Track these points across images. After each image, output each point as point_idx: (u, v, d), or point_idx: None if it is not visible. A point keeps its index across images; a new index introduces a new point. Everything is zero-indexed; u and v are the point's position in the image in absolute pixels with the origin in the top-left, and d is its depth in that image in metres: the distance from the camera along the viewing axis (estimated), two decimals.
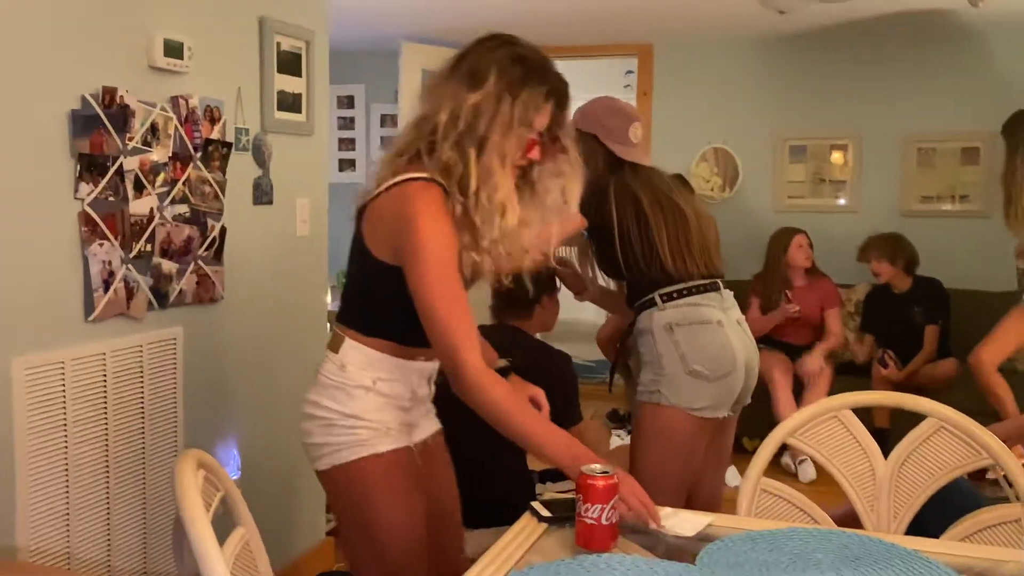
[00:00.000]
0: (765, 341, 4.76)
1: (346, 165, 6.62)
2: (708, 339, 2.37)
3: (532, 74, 1.74)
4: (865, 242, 4.90)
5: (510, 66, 1.72)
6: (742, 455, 4.63)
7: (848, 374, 4.77)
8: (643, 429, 2.44)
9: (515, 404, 1.67)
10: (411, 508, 1.81)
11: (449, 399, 2.58)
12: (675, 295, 2.39)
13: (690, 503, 2.48)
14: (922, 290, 4.76)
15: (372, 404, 1.79)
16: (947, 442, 1.81)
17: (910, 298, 4.77)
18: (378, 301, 1.79)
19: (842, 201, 5.58)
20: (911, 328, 4.73)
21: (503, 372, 2.02)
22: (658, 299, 2.40)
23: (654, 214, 2.40)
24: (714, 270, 2.45)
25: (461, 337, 1.65)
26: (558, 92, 1.77)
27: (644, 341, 2.44)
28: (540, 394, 2.08)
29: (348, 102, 6.53)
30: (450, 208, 1.70)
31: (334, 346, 1.83)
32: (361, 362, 1.79)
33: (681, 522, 1.62)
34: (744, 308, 4.61)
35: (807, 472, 4.34)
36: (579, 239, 2.55)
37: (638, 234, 2.39)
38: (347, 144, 6.60)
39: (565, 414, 2.57)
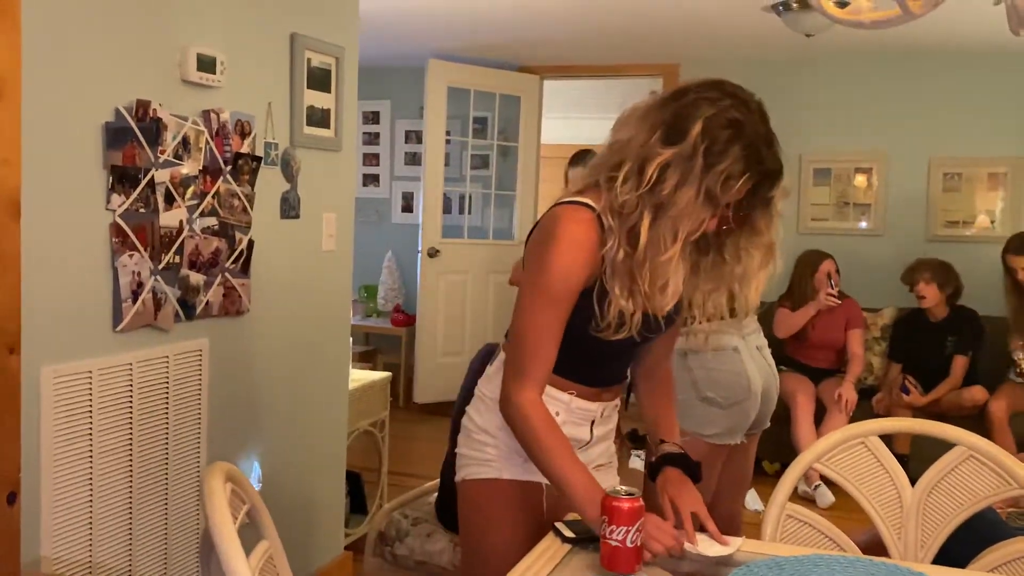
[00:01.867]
0: (788, 364, 4.74)
1: (370, 180, 6.65)
2: (722, 366, 2.36)
3: (739, 144, 1.51)
4: (915, 263, 4.83)
5: (719, 128, 1.51)
6: (762, 478, 4.61)
7: (864, 398, 4.71)
8: None
9: (550, 435, 1.62)
10: (523, 546, 1.65)
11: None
12: (691, 320, 2.38)
13: None
14: (958, 320, 4.70)
15: (503, 420, 1.70)
16: (975, 471, 1.79)
17: (945, 327, 4.72)
18: None
19: (866, 224, 5.56)
20: (940, 357, 4.68)
21: (672, 460, 1.79)
22: None
23: None
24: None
25: (534, 371, 1.62)
26: (764, 173, 1.54)
27: None
28: (699, 506, 1.68)
29: (373, 117, 6.57)
30: (604, 242, 1.58)
31: (495, 359, 1.81)
32: None
33: (709, 544, 1.61)
34: (772, 320, 4.61)
35: (825, 497, 4.30)
36: None
37: None
38: (371, 159, 6.65)
39: None
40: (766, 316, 4.53)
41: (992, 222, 5.32)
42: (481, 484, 1.75)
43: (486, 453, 1.75)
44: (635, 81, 6.55)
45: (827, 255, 4.77)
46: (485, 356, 2.69)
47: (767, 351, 2.50)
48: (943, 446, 1.83)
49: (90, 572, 2.20)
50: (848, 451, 1.87)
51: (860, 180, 5.56)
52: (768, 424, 2.52)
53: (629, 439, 5.14)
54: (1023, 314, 4.48)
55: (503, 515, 1.74)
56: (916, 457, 3.94)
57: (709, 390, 2.34)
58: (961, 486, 1.80)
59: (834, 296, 4.55)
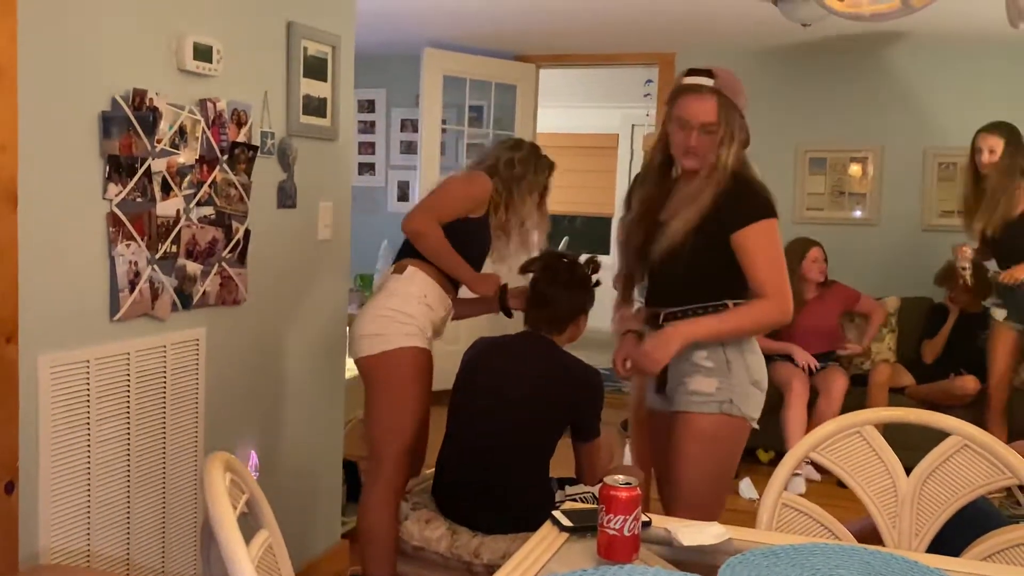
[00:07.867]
0: (780, 355, 4.73)
1: (365, 169, 6.63)
2: (758, 351, 2.40)
3: None
4: (945, 269, 4.85)
5: None
6: (756, 467, 4.63)
7: (859, 384, 4.73)
8: (705, 438, 2.33)
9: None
10: None
11: (469, 407, 2.59)
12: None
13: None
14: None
15: None
16: (970, 460, 1.80)
17: (978, 321, 4.73)
18: None
19: (861, 214, 5.57)
20: (976, 348, 4.70)
21: None
22: (731, 306, 2.34)
23: None
24: None
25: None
26: None
27: (709, 345, 2.33)
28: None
29: (369, 106, 6.55)
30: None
31: None
32: None
33: (698, 534, 1.62)
34: None
35: (799, 486, 4.28)
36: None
37: None
38: (367, 148, 6.62)
39: (590, 428, 2.57)
40: None
41: None
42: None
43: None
44: (632, 70, 6.55)
45: (814, 243, 4.76)
46: (479, 348, 2.70)
47: None
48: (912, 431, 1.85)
49: (88, 561, 2.21)
50: (844, 440, 1.88)
51: (855, 170, 5.57)
52: None
53: (624, 428, 5.16)
54: (976, 201, 4.38)
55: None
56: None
57: (757, 374, 2.35)
58: (955, 475, 1.81)
59: (814, 365, 4.60)
